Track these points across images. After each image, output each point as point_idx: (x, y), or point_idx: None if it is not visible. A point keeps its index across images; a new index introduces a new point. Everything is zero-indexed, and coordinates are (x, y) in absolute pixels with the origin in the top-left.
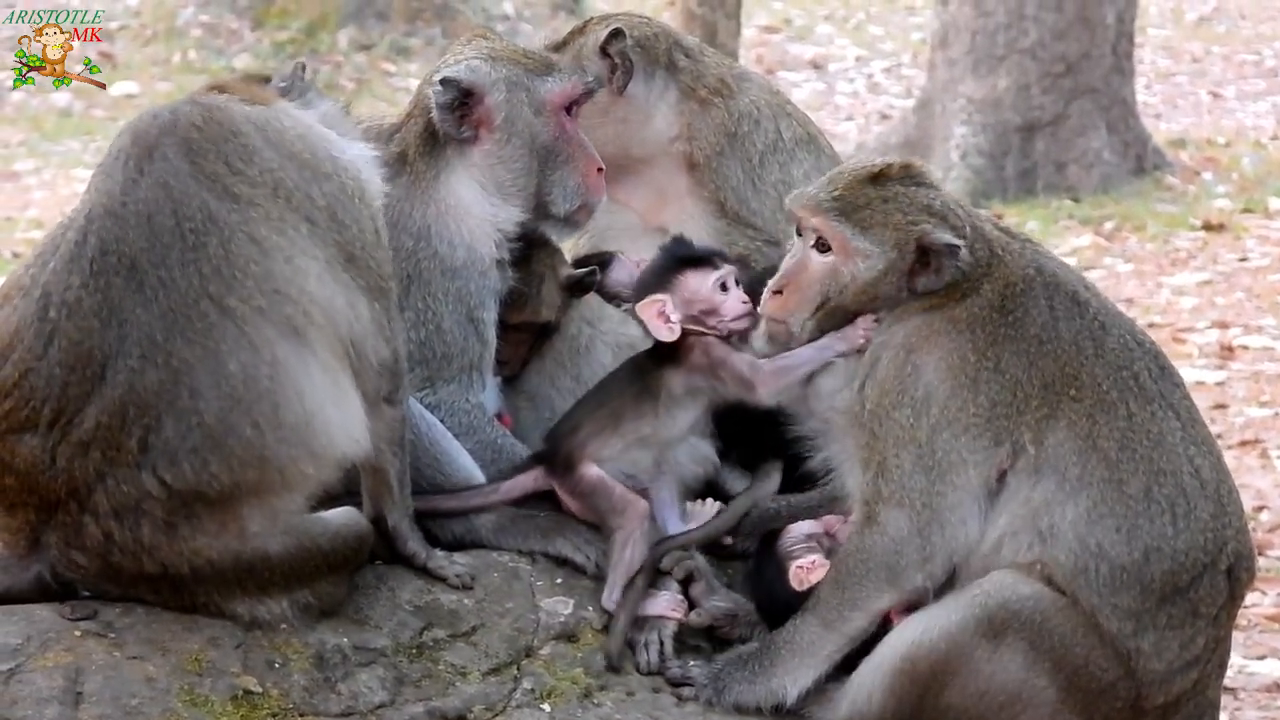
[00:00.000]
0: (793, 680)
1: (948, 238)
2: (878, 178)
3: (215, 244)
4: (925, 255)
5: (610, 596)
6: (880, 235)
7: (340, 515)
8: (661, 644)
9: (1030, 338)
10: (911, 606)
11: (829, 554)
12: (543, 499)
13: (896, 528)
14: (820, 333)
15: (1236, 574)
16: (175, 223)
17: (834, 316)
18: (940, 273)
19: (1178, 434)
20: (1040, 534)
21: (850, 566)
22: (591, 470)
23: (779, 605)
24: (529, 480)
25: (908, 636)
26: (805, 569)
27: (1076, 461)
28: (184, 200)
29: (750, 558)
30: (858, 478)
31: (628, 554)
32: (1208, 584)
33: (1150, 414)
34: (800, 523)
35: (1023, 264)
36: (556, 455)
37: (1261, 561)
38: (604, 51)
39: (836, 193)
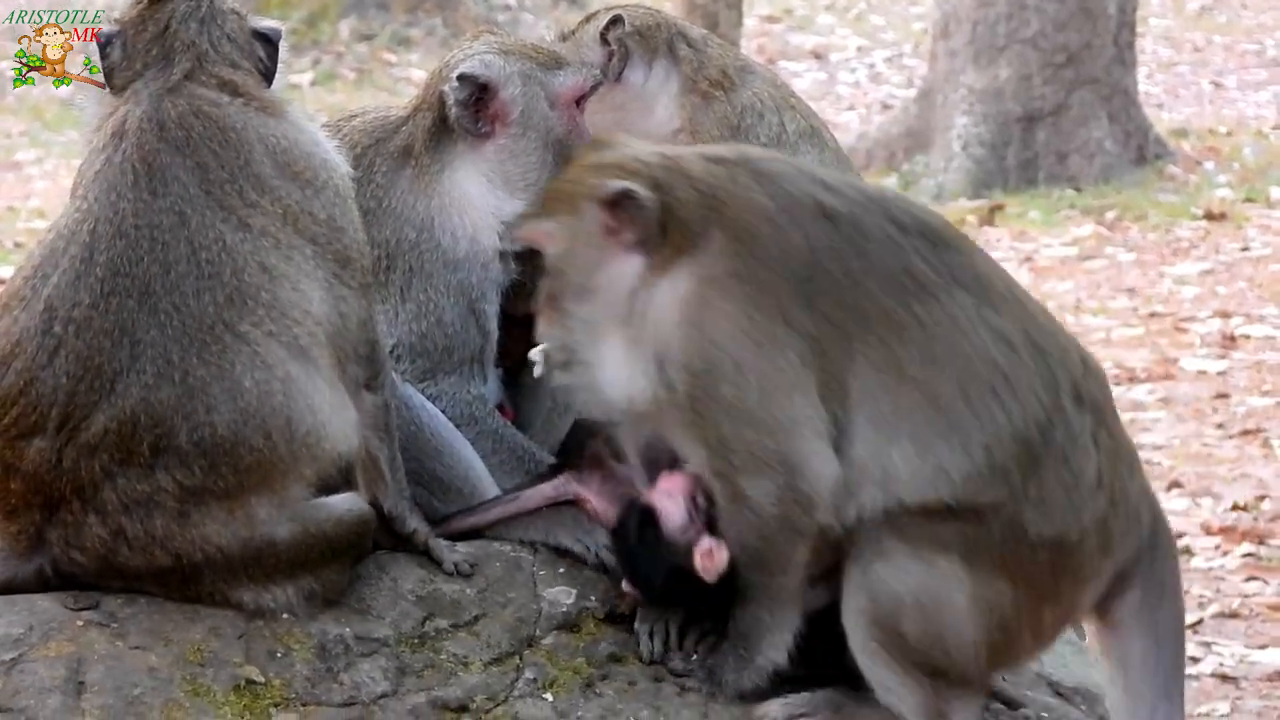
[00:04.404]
0: (775, 649)
1: (619, 185)
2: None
3: (229, 273)
4: (614, 210)
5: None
6: (553, 209)
7: (343, 500)
8: (667, 634)
9: (800, 279)
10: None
11: (711, 525)
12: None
13: (765, 494)
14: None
15: (1086, 392)
16: (191, 250)
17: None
18: (635, 222)
19: (971, 310)
20: (880, 484)
21: (749, 543)
22: (620, 467)
23: (675, 586)
24: (549, 489)
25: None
26: (709, 554)
27: (888, 398)
28: (200, 230)
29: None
30: (701, 455)
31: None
32: (1063, 426)
33: (938, 304)
34: (666, 506)
35: (750, 197)
36: (582, 457)
37: (1263, 551)
38: (604, 39)
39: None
